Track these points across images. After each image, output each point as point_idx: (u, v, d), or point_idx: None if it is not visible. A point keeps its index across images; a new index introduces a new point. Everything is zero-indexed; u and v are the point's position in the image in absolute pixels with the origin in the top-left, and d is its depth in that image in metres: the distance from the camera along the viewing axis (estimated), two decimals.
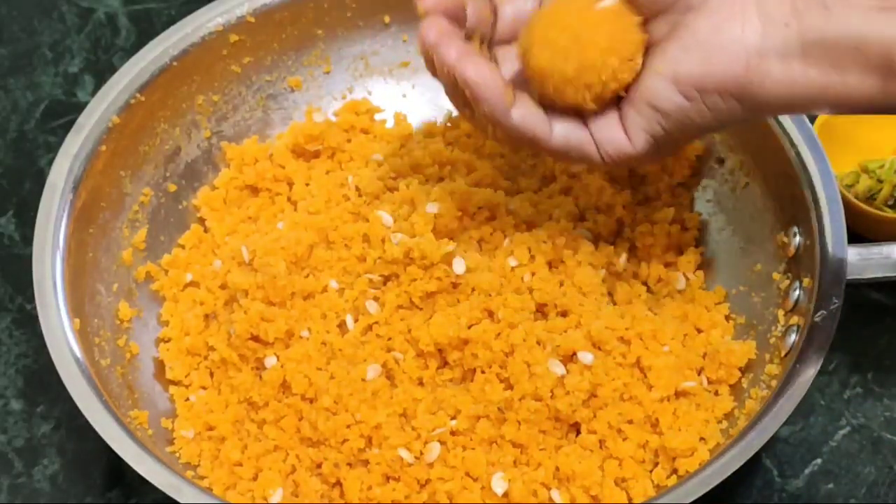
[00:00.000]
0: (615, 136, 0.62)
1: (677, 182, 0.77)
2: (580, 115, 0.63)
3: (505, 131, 0.62)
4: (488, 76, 0.60)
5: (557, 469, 0.66)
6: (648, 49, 0.61)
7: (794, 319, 0.67)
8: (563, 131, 0.63)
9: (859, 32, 0.56)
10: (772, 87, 0.59)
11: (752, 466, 0.69)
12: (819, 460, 0.72)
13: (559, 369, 0.67)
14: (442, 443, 0.66)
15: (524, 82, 0.64)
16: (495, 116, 0.61)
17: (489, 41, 0.65)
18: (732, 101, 0.60)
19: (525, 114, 0.62)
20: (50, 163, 0.74)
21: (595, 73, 0.61)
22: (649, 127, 0.61)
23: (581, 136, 0.63)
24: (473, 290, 0.70)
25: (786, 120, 0.71)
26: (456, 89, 0.61)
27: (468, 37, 0.63)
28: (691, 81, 0.59)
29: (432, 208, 0.71)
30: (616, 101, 0.63)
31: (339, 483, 0.66)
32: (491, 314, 0.69)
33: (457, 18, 0.62)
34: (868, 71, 0.57)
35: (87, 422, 0.64)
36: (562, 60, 0.61)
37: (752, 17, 0.58)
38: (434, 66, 0.62)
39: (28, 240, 0.75)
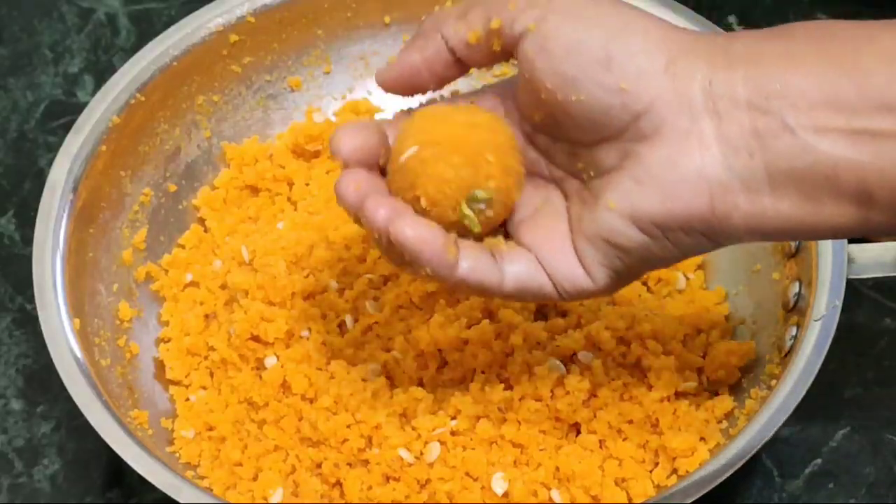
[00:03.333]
0: (572, 272, 0.56)
1: None
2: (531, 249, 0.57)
3: (452, 287, 0.57)
4: (427, 235, 0.54)
5: (557, 469, 0.66)
6: (599, 176, 0.55)
7: (794, 319, 0.67)
8: (515, 274, 0.56)
9: (830, 159, 0.50)
10: (740, 222, 0.52)
11: (752, 466, 0.69)
12: (819, 460, 0.72)
13: (559, 369, 0.67)
14: (442, 443, 0.66)
15: None
16: (440, 276, 0.55)
17: None
18: (698, 236, 0.53)
19: (472, 266, 0.55)
20: (50, 163, 0.74)
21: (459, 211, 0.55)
22: (608, 262, 0.55)
23: (536, 277, 0.56)
24: None
25: None
26: (391, 247, 0.55)
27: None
28: (651, 219, 0.53)
29: None
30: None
31: (339, 483, 0.66)
32: (491, 314, 0.69)
33: (378, 154, 0.57)
34: (843, 201, 0.51)
35: (87, 422, 0.64)
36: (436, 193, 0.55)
37: (710, 146, 0.51)
38: (357, 220, 0.56)
39: (28, 240, 0.75)
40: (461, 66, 0.57)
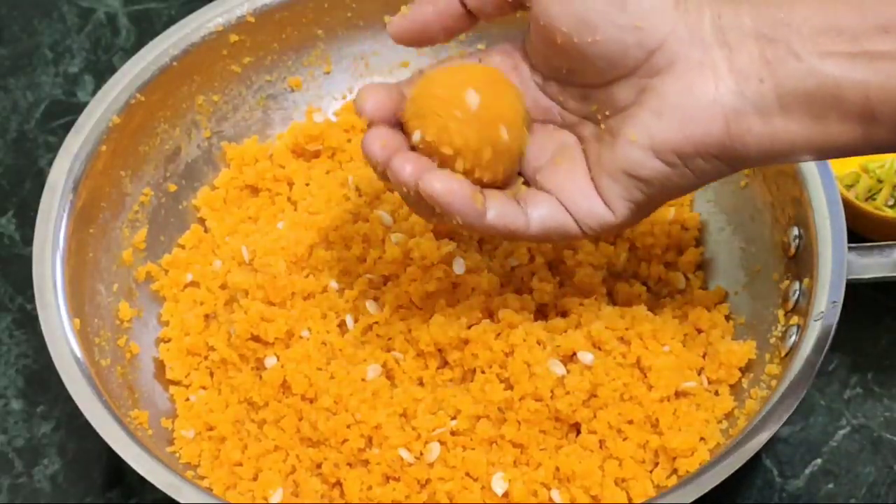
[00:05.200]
0: (594, 208, 0.60)
1: None
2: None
3: (481, 233, 0.60)
4: (455, 186, 0.57)
5: (557, 469, 0.66)
6: (615, 115, 0.59)
7: (794, 319, 0.67)
8: (539, 217, 0.60)
9: (835, 81, 0.54)
10: (754, 145, 0.56)
11: (752, 466, 0.69)
12: (819, 460, 0.72)
13: (559, 369, 0.66)
14: (442, 443, 0.66)
15: None
16: (470, 224, 0.58)
17: None
18: (715, 161, 0.57)
19: (499, 213, 0.59)
20: (50, 163, 0.74)
21: (481, 166, 0.59)
22: (629, 195, 0.59)
23: (559, 217, 0.60)
24: (473, 290, 0.70)
25: None
26: (419, 201, 0.58)
27: None
28: (671, 147, 0.57)
29: None
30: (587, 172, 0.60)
31: (339, 483, 0.66)
32: (491, 314, 0.69)
33: (400, 113, 0.59)
34: (848, 119, 0.55)
35: (87, 422, 0.64)
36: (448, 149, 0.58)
37: (723, 75, 0.56)
38: (383, 176, 0.59)
39: (28, 240, 0.75)
40: (471, 18, 0.60)
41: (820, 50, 0.54)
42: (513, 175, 0.61)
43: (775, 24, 0.55)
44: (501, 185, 0.60)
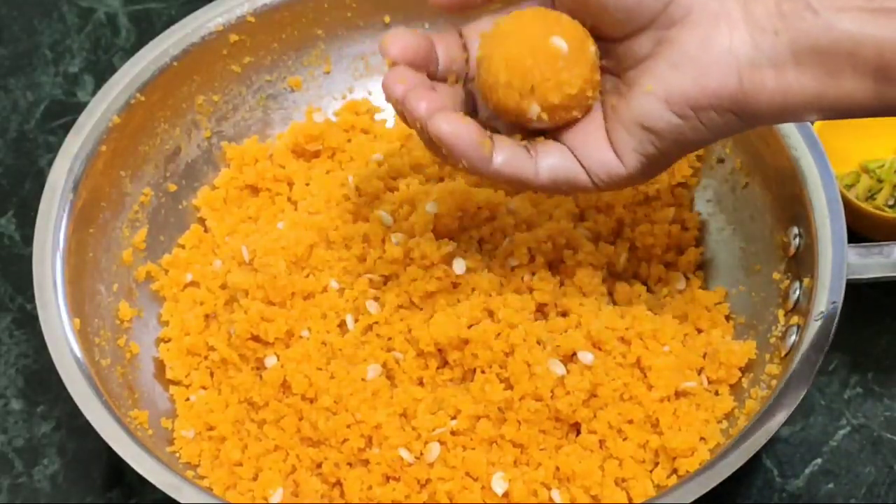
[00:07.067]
0: (605, 159, 0.60)
1: (677, 182, 0.77)
2: (564, 138, 0.61)
3: (489, 179, 0.60)
4: (462, 130, 0.57)
5: (557, 469, 0.66)
6: (633, 67, 0.59)
7: (794, 319, 0.67)
8: (549, 166, 0.60)
9: (851, 36, 0.54)
10: (767, 98, 0.57)
11: (752, 466, 0.69)
12: (819, 460, 0.72)
13: (559, 369, 0.66)
14: (442, 443, 0.66)
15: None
16: (476, 169, 0.59)
17: (465, 77, 0.62)
18: (729, 115, 0.58)
19: (507, 159, 0.59)
20: (50, 163, 0.74)
21: (544, 95, 0.59)
22: (641, 147, 0.59)
23: (569, 166, 0.60)
24: (473, 290, 0.70)
25: None
26: (432, 141, 0.59)
27: (442, 77, 0.61)
28: (685, 99, 0.57)
29: (432, 208, 0.71)
30: (597, 119, 0.61)
31: (339, 483, 0.67)
32: (491, 314, 0.69)
33: (427, 61, 0.60)
34: (862, 75, 0.55)
35: (87, 422, 0.64)
36: (511, 84, 0.59)
37: (739, 26, 0.56)
38: (401, 115, 0.59)
39: (28, 240, 0.75)
40: None
41: (836, 5, 0.55)
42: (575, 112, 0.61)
43: None
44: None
